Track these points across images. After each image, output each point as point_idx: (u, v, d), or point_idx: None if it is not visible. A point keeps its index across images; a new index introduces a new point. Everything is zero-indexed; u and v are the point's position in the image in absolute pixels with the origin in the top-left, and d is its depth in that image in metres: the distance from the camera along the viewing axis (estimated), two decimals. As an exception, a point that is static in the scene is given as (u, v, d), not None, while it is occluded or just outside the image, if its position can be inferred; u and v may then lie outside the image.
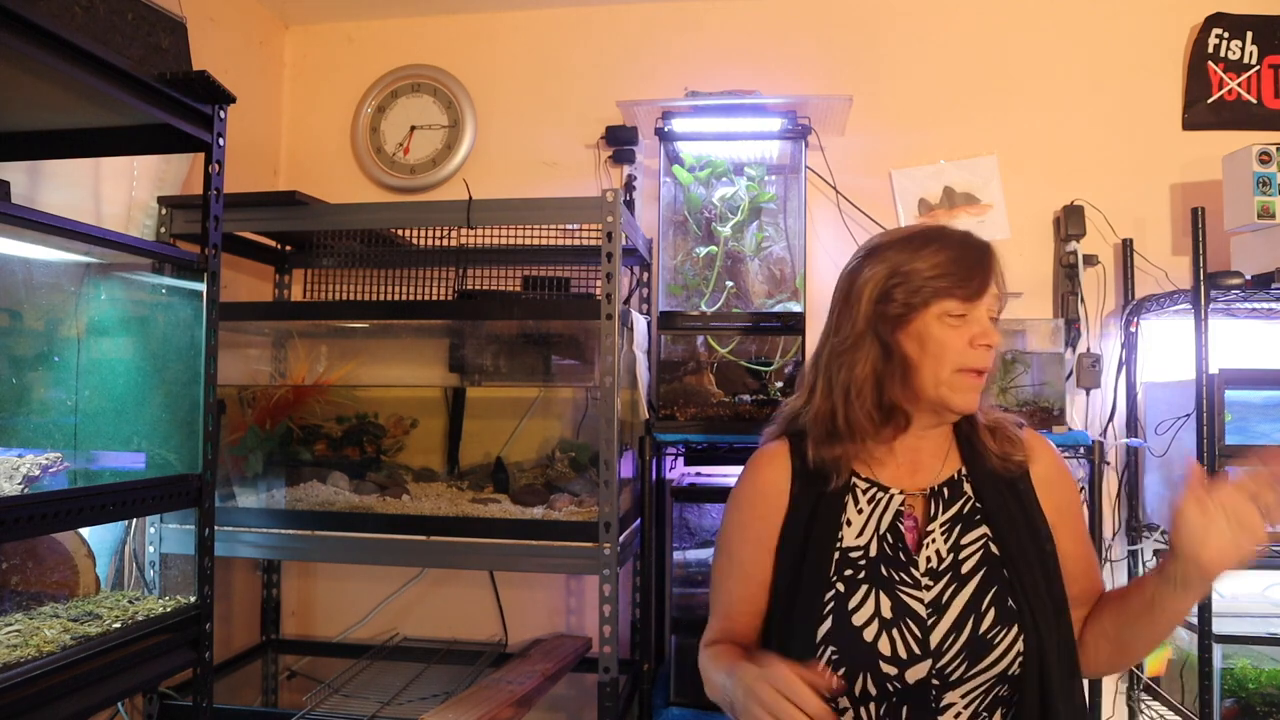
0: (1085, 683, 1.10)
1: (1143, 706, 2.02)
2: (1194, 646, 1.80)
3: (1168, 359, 2.14)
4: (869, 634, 1.04)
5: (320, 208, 1.97)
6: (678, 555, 2.05)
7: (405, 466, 2.18)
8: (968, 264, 1.08)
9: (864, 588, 1.07)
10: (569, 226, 2.21)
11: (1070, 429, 1.91)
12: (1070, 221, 2.18)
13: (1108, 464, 2.15)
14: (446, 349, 2.36)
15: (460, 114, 2.49)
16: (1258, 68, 2.20)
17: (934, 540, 1.09)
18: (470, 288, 2.32)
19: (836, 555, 1.09)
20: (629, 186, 2.35)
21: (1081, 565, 1.14)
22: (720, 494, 2.06)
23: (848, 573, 1.08)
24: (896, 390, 1.10)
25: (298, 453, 2.10)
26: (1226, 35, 2.21)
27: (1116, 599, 1.11)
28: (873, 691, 1.03)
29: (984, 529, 1.09)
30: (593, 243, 2.17)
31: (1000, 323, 1.15)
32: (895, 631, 1.04)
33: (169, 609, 1.39)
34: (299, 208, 1.92)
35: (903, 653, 1.03)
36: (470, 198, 1.88)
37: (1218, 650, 1.80)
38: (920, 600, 1.05)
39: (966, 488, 1.13)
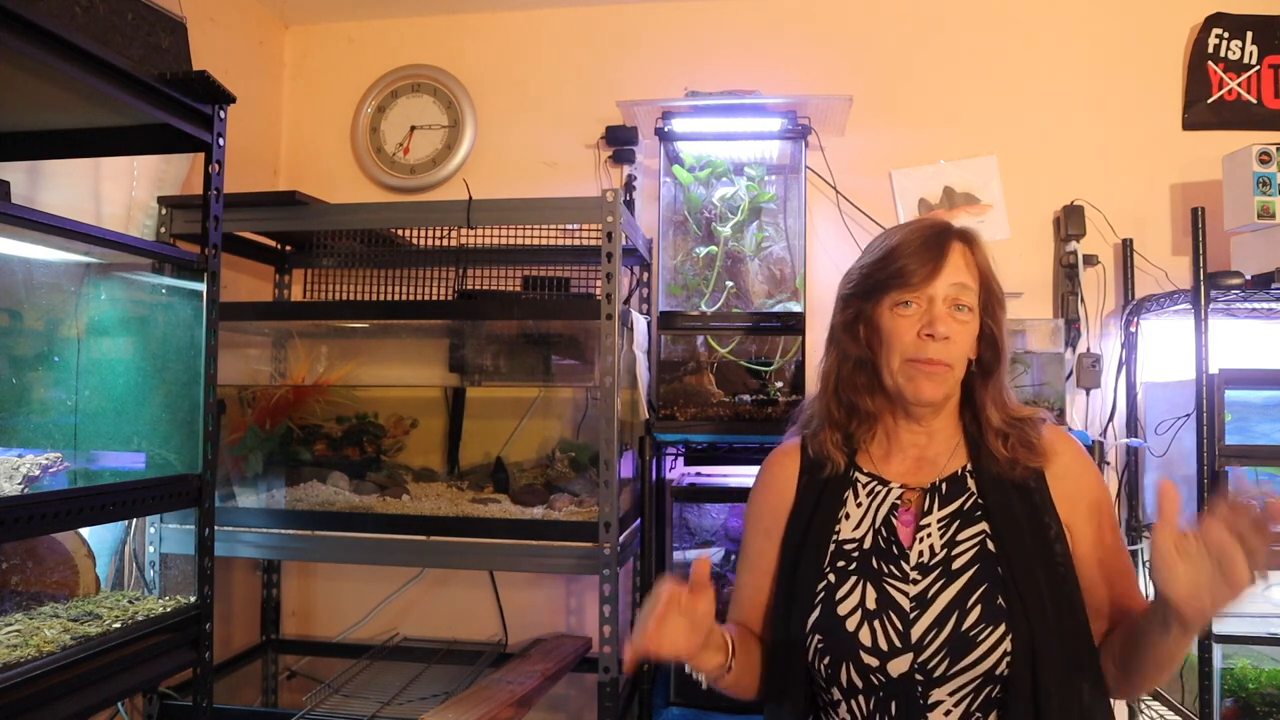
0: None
1: (1142, 706, 2.02)
2: (1194, 646, 1.80)
3: (1168, 359, 2.14)
4: (851, 624, 1.05)
5: (320, 208, 1.97)
6: (678, 555, 2.04)
7: (405, 466, 2.18)
8: (912, 250, 1.09)
9: (853, 579, 1.08)
10: (569, 226, 2.21)
11: (1070, 429, 1.91)
12: (1070, 221, 2.18)
13: (1108, 464, 2.16)
14: (446, 349, 2.36)
15: (460, 114, 2.49)
16: (1258, 68, 2.20)
17: (929, 535, 1.09)
18: (470, 288, 2.31)
19: (832, 547, 1.11)
20: (629, 186, 2.34)
21: (1101, 572, 1.08)
22: (720, 494, 2.07)
23: (840, 564, 1.10)
24: (865, 380, 1.16)
25: (298, 453, 2.10)
26: (1226, 35, 2.21)
27: (1130, 620, 1.05)
28: (858, 684, 1.03)
29: (983, 525, 1.07)
30: (593, 243, 2.17)
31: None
32: (876, 623, 1.04)
33: (169, 609, 1.40)
34: (299, 208, 1.92)
35: (883, 644, 1.02)
36: (470, 198, 1.88)
37: (1218, 650, 1.80)
38: (905, 594, 1.05)
39: (970, 484, 1.12)
